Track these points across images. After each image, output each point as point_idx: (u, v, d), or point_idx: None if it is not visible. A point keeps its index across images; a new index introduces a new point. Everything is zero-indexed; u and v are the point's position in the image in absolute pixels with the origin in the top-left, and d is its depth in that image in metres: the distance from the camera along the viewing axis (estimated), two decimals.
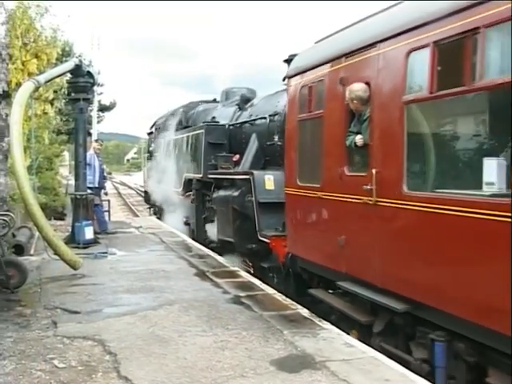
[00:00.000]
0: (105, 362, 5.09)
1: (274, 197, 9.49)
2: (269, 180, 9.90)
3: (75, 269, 8.80)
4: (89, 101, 13.61)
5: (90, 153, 13.64)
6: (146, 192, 23.24)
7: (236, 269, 9.68)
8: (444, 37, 4.84)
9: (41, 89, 13.37)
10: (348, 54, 6.42)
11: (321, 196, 6.94)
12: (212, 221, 12.74)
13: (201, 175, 13.55)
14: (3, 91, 9.12)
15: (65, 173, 37.50)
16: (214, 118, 14.25)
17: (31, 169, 11.75)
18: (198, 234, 13.79)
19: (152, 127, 22.51)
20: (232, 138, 13.24)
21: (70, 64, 11.81)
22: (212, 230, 12.58)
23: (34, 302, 7.23)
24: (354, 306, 6.41)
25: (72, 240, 11.44)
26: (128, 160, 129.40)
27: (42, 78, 10.03)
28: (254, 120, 12.07)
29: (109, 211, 19.60)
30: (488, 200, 4.32)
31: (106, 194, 16.78)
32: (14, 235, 10.69)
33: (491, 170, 4.42)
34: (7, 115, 9.41)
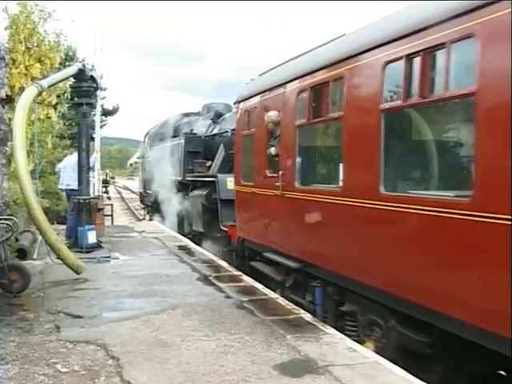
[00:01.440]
0: (107, 366, 5.08)
1: (234, 195, 11.05)
2: (230, 181, 11.98)
3: (78, 273, 8.80)
4: (92, 105, 13.62)
5: (94, 156, 13.66)
6: (141, 193, 26.41)
7: (239, 273, 9.68)
8: (315, 84, 7.28)
9: (44, 93, 13.42)
10: (270, 89, 8.82)
11: (254, 191, 9.40)
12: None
13: (181, 178, 16.42)
14: (6, 96, 9.15)
15: None
16: (192, 130, 17.01)
17: (34, 173, 11.78)
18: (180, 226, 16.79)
19: (146, 136, 25.12)
20: (207, 147, 15.73)
21: (73, 68, 11.82)
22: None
23: (37, 306, 7.24)
24: (276, 271, 8.68)
25: (75, 244, 11.43)
26: (131, 164, 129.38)
27: (45, 83, 10.05)
28: (222, 133, 14.88)
29: (112, 216, 19.65)
30: (335, 190, 6.75)
31: (109, 198, 16.88)
32: (17, 239, 10.70)
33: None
34: (10, 120, 9.44)
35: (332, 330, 6.32)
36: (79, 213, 11.87)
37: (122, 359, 5.24)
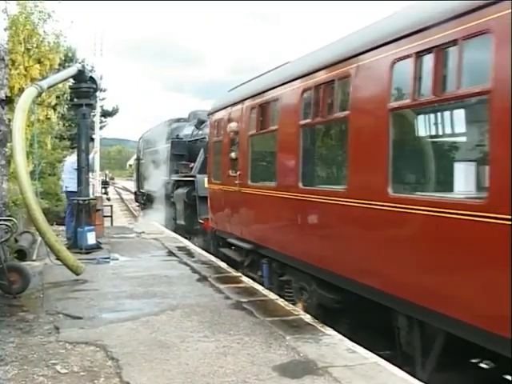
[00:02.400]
0: (107, 367, 5.09)
1: None
2: (206, 181, 13.25)
3: (77, 274, 8.81)
4: (91, 106, 13.60)
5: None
6: (135, 193, 29.67)
7: (238, 274, 9.69)
8: (262, 102, 9.19)
9: (43, 94, 13.39)
10: (233, 104, 10.75)
11: (221, 188, 11.40)
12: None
13: (167, 178, 19.07)
14: (6, 97, 9.15)
15: None
16: (177, 135, 19.55)
17: (34, 174, 11.77)
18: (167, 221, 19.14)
19: (140, 139, 27.77)
20: (190, 151, 17.87)
21: (72, 69, 11.82)
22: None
23: (37, 307, 7.24)
24: (238, 254, 10.52)
25: (74, 245, 11.43)
26: (130, 165, 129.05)
27: (44, 84, 10.05)
28: (202, 138, 16.62)
29: (111, 216, 19.66)
30: (273, 186, 8.55)
31: (108, 199, 17.01)
32: (16, 240, 10.70)
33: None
34: (10, 121, 9.44)
35: (331, 331, 6.32)
36: (78, 214, 11.87)
37: (122, 360, 5.25)
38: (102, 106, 41.66)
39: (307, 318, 6.87)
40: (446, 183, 5.19)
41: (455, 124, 5.85)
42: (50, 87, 11.15)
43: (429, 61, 5.16)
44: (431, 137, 6.08)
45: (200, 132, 17.47)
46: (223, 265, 10.65)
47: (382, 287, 5.73)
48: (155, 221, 19.18)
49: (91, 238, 11.59)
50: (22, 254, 10.38)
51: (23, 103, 8.85)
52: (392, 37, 5.66)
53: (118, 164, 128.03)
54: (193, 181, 15.52)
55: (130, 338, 5.93)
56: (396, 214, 5.46)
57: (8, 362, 5.14)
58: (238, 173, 9.99)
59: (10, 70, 13.71)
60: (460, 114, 5.82)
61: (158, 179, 20.47)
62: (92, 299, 7.63)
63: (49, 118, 18.18)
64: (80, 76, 11.77)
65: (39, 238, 10.91)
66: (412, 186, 5.94)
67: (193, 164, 16.86)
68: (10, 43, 14.54)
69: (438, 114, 5.92)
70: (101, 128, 39.40)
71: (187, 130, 19.26)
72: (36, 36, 16.34)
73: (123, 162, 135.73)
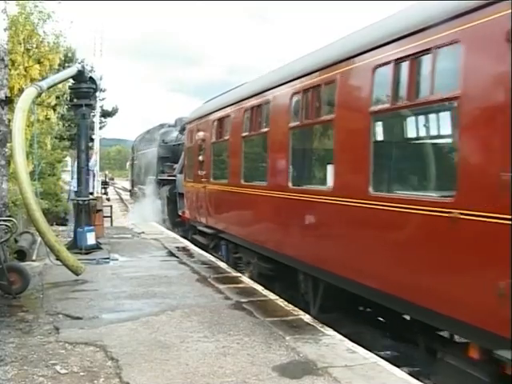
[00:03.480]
0: (107, 367, 5.09)
1: None
2: None
3: (77, 274, 8.81)
4: (91, 106, 13.60)
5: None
6: (130, 191, 33.25)
7: (238, 275, 9.70)
8: (220, 117, 11.64)
9: (43, 94, 13.39)
10: (201, 117, 13.31)
11: (193, 185, 13.97)
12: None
13: (155, 177, 22.34)
14: (5, 97, 9.14)
15: (67, 178, 37.47)
16: (163, 140, 22.49)
17: (34, 174, 11.76)
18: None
19: (134, 142, 30.73)
20: (174, 153, 20.43)
21: (72, 70, 11.82)
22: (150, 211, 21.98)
23: (36, 307, 7.25)
24: (206, 239, 13.08)
25: (74, 245, 11.43)
26: None
27: (44, 84, 10.05)
28: (183, 143, 18.27)
29: (111, 217, 19.66)
30: (225, 182, 11.03)
31: (108, 199, 17.12)
32: (16, 241, 10.70)
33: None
34: (9, 121, 9.43)
35: (331, 332, 6.32)
36: (78, 214, 11.87)
37: (122, 360, 5.25)
38: (101, 106, 41.61)
39: (307, 318, 6.88)
40: (324, 179, 7.17)
41: (326, 138, 7.86)
42: (49, 87, 11.14)
43: (308, 95, 7.50)
44: (313, 147, 8.39)
45: (183, 137, 18.96)
46: (223, 265, 10.68)
47: (290, 254, 8.01)
48: (144, 214, 22.02)
49: (91, 239, 11.59)
50: (21, 255, 10.38)
51: (23, 103, 8.85)
52: (292, 77, 7.99)
53: (117, 164, 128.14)
54: (174, 179, 18.48)
55: (129, 338, 5.93)
56: (293, 201, 7.82)
57: (8, 363, 5.15)
58: (204, 172, 12.67)
59: (10, 70, 13.68)
60: (327, 132, 7.74)
61: (148, 178, 23.79)
62: (92, 299, 7.63)
63: (48, 119, 18.16)
64: (80, 76, 11.77)
65: (39, 239, 10.91)
66: (302, 181, 8.04)
67: (176, 165, 19.14)
68: (10, 43, 14.51)
69: (318, 132, 8.10)
70: (100, 128, 39.39)
71: (173, 135, 21.87)
72: (36, 36, 16.30)
73: (123, 162, 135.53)
